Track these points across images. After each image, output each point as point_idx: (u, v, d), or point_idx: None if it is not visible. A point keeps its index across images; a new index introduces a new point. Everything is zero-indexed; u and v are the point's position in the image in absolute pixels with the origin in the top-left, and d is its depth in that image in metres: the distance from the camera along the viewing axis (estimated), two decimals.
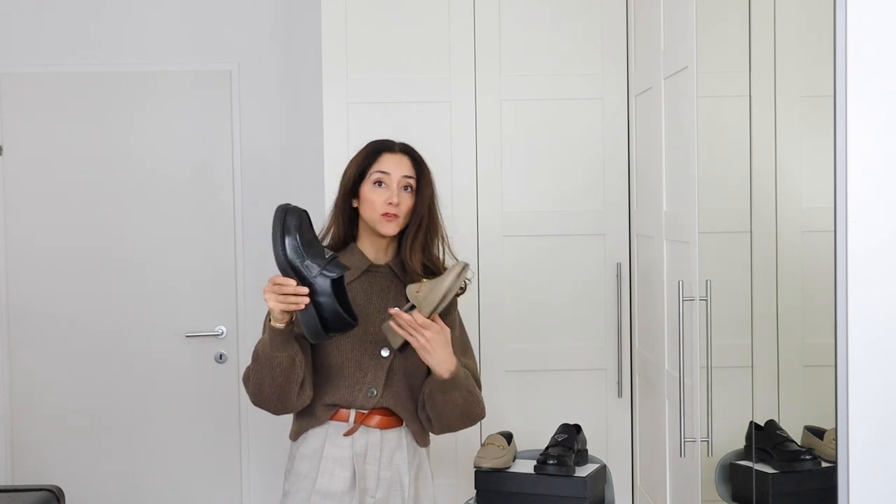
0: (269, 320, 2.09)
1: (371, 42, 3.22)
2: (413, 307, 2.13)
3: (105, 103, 3.70)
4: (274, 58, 3.74)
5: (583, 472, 2.64)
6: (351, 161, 2.29)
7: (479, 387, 2.29)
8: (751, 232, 2.13)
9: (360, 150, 2.30)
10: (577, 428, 2.79)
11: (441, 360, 2.12)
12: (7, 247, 3.69)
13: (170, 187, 3.72)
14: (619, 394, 3.28)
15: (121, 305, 3.70)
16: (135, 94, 3.71)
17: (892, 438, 1.64)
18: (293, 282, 2.03)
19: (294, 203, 2.12)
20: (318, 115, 3.56)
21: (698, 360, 2.36)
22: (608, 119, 3.26)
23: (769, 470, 2.03)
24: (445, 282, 2.08)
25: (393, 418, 2.24)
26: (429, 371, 2.19)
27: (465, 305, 2.65)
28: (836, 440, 1.66)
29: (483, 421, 3.19)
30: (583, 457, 2.74)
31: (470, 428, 3.12)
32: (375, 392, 2.21)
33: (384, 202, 2.21)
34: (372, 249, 2.28)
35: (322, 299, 2.04)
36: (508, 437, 2.77)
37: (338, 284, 2.06)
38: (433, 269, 2.26)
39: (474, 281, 3.03)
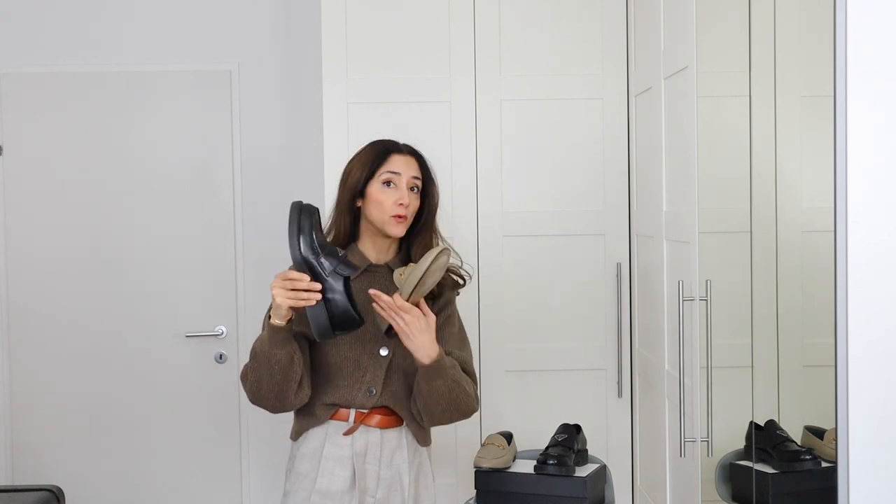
0: (269, 318, 2.10)
1: (371, 42, 3.22)
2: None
3: (105, 103, 3.70)
4: (274, 58, 3.74)
5: (583, 472, 2.64)
6: (355, 161, 2.28)
7: (475, 381, 2.26)
8: (751, 232, 2.13)
9: (363, 149, 2.29)
10: (577, 428, 2.79)
11: (420, 345, 2.11)
12: (7, 247, 3.69)
13: (170, 187, 3.72)
14: (619, 394, 3.28)
15: (121, 305, 3.70)
16: (135, 94, 3.71)
17: (892, 438, 1.64)
18: (307, 277, 2.05)
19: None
20: (318, 115, 3.56)
21: (698, 360, 2.36)
22: (608, 119, 3.26)
23: (769, 470, 2.03)
24: (423, 264, 2.09)
25: (393, 418, 2.24)
26: None
27: (465, 305, 2.65)
28: (836, 440, 1.66)
29: (483, 421, 3.22)
30: (583, 457, 2.74)
31: (470, 428, 3.17)
32: (374, 391, 2.21)
33: (394, 203, 2.20)
34: (373, 250, 2.28)
35: (333, 296, 2.06)
36: (508, 437, 2.77)
37: (347, 284, 2.08)
38: None
39: (474, 281, 3.03)
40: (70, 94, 3.69)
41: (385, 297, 2.09)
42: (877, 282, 1.63)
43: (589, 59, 3.26)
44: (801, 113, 2.05)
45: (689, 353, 2.44)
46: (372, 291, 2.10)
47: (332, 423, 2.22)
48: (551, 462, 2.59)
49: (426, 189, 2.28)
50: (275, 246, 3.55)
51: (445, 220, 2.34)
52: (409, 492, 2.24)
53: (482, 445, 2.73)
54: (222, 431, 3.73)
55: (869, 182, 1.63)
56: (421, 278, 2.08)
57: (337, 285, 2.07)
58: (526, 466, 2.67)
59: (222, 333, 3.73)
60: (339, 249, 2.12)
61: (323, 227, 2.26)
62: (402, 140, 2.32)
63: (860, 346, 1.63)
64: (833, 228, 1.66)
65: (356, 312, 2.08)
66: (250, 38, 3.73)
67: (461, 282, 2.32)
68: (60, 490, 3.04)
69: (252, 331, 3.65)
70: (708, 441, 2.31)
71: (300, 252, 2.08)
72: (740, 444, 2.23)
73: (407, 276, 2.11)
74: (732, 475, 2.27)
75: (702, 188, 2.39)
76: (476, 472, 2.66)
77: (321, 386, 2.22)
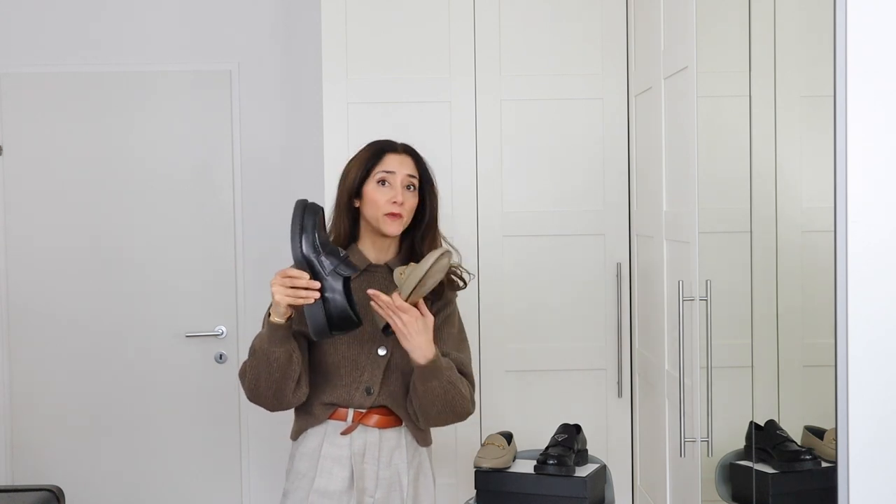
0: (269, 316, 2.10)
1: (371, 42, 3.22)
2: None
3: (105, 103, 3.70)
4: (274, 58, 3.74)
5: (583, 472, 2.64)
6: (352, 161, 2.30)
7: (472, 383, 2.25)
8: (751, 232, 2.13)
9: (361, 150, 2.30)
10: (577, 428, 2.79)
11: (417, 345, 2.11)
12: (7, 247, 3.69)
13: (170, 187, 3.72)
14: (619, 394, 3.27)
15: (121, 305, 3.70)
16: (135, 94, 3.71)
17: (892, 438, 1.64)
18: (306, 275, 2.05)
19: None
20: (318, 115, 3.56)
21: (698, 360, 2.36)
22: (608, 119, 3.26)
23: (769, 470, 2.03)
24: (424, 265, 2.09)
25: (392, 418, 2.24)
26: None
27: (465, 305, 2.65)
28: (836, 440, 1.66)
29: (483, 421, 3.22)
30: (583, 457, 2.74)
31: (470, 428, 3.17)
32: (372, 391, 2.21)
33: (388, 201, 2.21)
34: (373, 250, 2.28)
35: (332, 296, 2.06)
36: (508, 437, 2.77)
37: (347, 284, 2.08)
38: None
39: (474, 281, 3.03)
40: (70, 94, 3.69)
41: (384, 296, 2.10)
42: (877, 282, 1.63)
43: (589, 59, 3.26)
44: (801, 113, 2.05)
45: (689, 353, 2.44)
46: (371, 291, 2.11)
47: (331, 422, 2.23)
48: (551, 462, 2.59)
49: (424, 188, 2.28)
50: (275, 246, 3.56)
51: (445, 220, 2.34)
52: (408, 492, 2.24)
53: (482, 445, 2.73)
54: (222, 431, 3.73)
55: (869, 182, 1.63)
56: (421, 279, 2.08)
57: (336, 285, 2.07)
58: (526, 466, 2.67)
59: (222, 333, 3.73)
60: (340, 249, 2.12)
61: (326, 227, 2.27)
62: (401, 140, 2.33)
63: (860, 346, 1.63)
64: (833, 228, 1.66)
65: (354, 313, 2.08)
66: (250, 38, 3.73)
67: (461, 284, 2.32)
68: (60, 490, 3.05)
69: (252, 331, 3.63)
70: (708, 441, 2.31)
71: (301, 250, 2.08)
72: (740, 444, 2.23)
73: (407, 275, 2.11)
74: (732, 475, 2.27)
75: (702, 188, 2.39)
76: (476, 472, 2.66)
77: (320, 385, 2.22)
